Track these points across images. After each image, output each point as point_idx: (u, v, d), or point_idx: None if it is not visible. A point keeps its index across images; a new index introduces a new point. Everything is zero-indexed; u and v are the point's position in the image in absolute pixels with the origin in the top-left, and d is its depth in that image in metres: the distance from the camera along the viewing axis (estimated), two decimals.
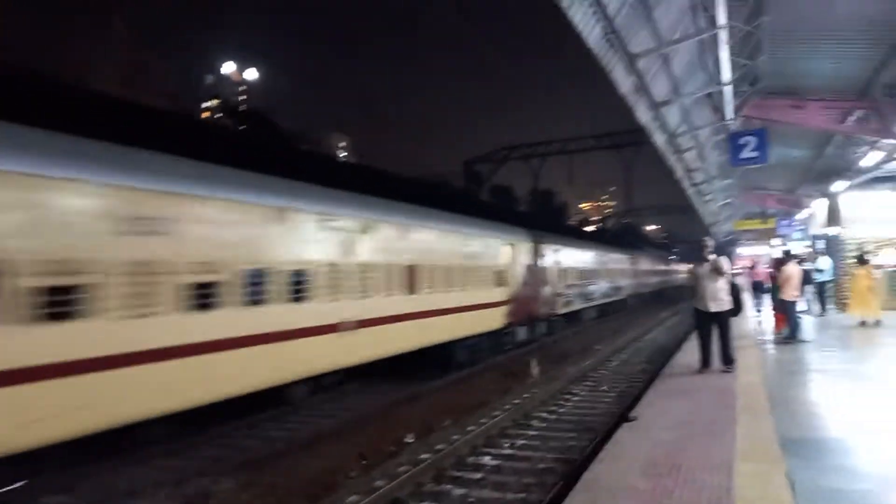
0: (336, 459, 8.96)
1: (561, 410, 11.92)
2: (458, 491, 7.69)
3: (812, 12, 10.04)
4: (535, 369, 15.48)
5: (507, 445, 9.68)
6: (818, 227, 23.44)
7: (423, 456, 9.03)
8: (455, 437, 10.00)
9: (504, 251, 18.43)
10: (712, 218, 32.94)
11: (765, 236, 32.08)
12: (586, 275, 28.35)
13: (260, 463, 8.77)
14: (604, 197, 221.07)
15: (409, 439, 10.02)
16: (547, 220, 41.06)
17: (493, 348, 17.37)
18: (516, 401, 12.53)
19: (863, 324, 14.46)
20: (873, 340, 12.86)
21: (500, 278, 17.83)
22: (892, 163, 16.43)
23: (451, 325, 14.81)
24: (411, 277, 13.46)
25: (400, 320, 12.84)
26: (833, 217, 20.23)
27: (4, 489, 7.13)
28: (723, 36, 8.65)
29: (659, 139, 13.71)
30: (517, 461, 8.84)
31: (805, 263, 15.34)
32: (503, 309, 17.83)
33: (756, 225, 27.46)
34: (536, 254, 21.02)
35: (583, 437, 9.91)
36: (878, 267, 17.06)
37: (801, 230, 28.58)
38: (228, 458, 9.01)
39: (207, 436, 9.90)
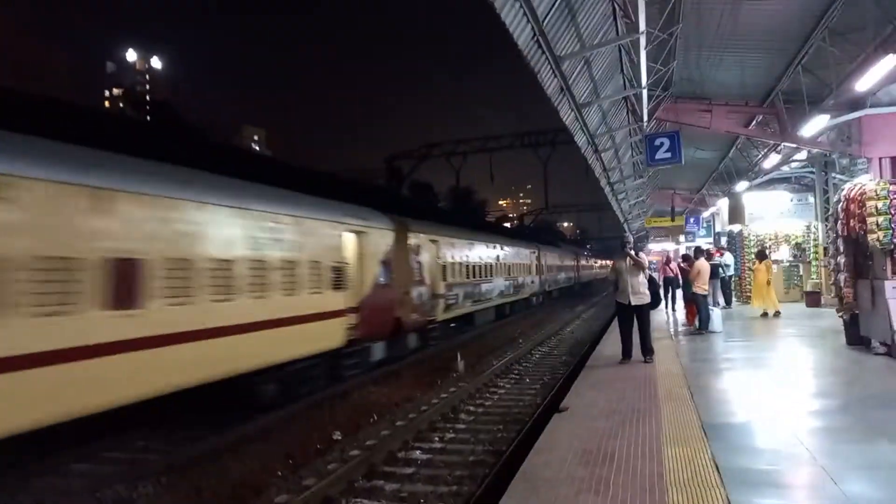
0: (262, 460, 8.74)
1: (487, 404, 12.12)
2: (391, 486, 7.67)
3: (719, 22, 10.66)
4: (460, 364, 15.62)
5: (436, 439, 9.75)
6: (722, 224, 24.94)
7: (353, 453, 8.98)
8: (384, 432, 10.00)
9: (347, 241, 13.58)
10: (625, 215, 34.37)
11: (673, 233, 33.77)
12: (478, 271, 24.24)
13: (183, 467, 8.41)
14: (521, 194, 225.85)
15: (337, 436, 9.91)
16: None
17: (329, 374, 12.94)
18: (443, 395, 12.65)
19: (764, 315, 15.52)
20: (773, 331, 13.83)
21: (339, 278, 12.93)
22: (789, 164, 17.76)
23: (235, 351, 9.79)
24: (126, 280, 7.96)
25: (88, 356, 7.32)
26: (735, 215, 21.59)
27: None
28: (642, 41, 9.03)
29: (580, 139, 14.17)
30: (448, 454, 8.92)
31: (714, 259, 16.17)
32: (345, 320, 13.06)
33: (665, 222, 28.91)
34: (402, 245, 16.62)
35: (510, 429, 10.13)
36: (776, 262, 18.35)
37: (705, 227, 30.31)
38: (146, 462, 8.59)
39: (118, 441, 9.42)
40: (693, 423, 6.22)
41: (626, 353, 10.18)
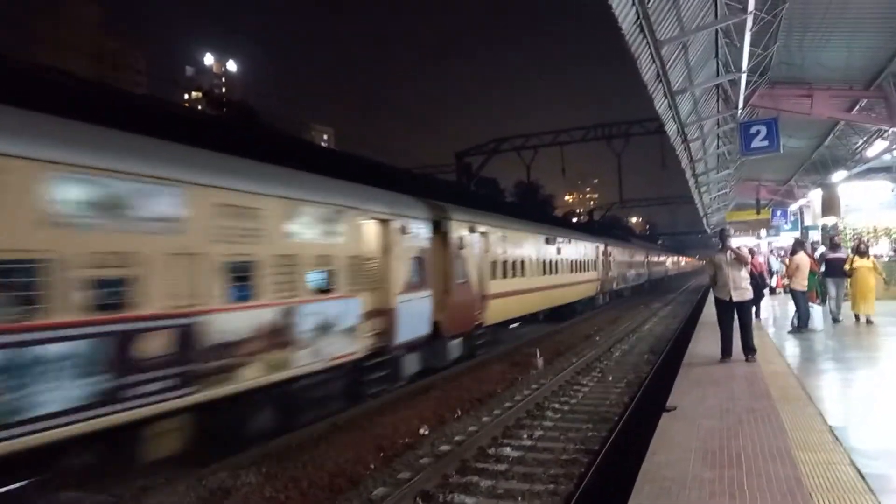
0: (354, 451, 8.81)
1: (573, 402, 11.87)
2: (486, 483, 7.56)
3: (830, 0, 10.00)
4: (539, 361, 15.39)
5: (525, 436, 9.59)
6: (813, 217, 23.63)
7: (443, 448, 8.94)
8: (471, 428, 9.92)
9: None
10: (706, 209, 33.14)
11: (754, 227, 32.25)
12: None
13: (279, 456, 8.56)
14: (587, 189, 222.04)
15: (424, 431, 9.90)
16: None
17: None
18: (526, 392, 12.49)
19: (856, 319, 13.21)
20: (878, 330, 12.84)
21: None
22: (892, 152, 16.56)
23: None
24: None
25: None
26: (830, 206, 20.37)
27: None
28: (748, 22, 8.55)
29: (671, 128, 13.66)
30: (539, 452, 8.75)
31: (819, 250, 14.76)
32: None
33: (749, 216, 27.56)
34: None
35: (600, 428, 9.86)
36: (878, 257, 17.13)
37: (792, 221, 28.81)
38: (245, 451, 8.79)
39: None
40: (818, 425, 5.81)
41: (727, 350, 9.68)
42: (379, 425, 10.10)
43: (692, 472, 4.65)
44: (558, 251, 24.57)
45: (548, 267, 22.83)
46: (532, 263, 20.80)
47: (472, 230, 15.38)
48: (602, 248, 33.69)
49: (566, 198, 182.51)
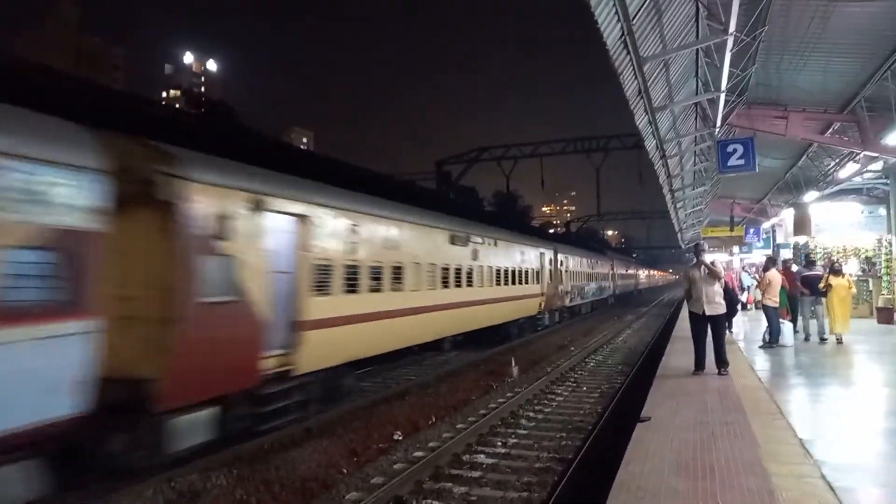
0: (326, 456, 8.75)
1: (547, 410, 11.93)
2: (459, 489, 7.56)
3: (809, 24, 10.24)
4: (514, 370, 15.45)
5: (499, 444, 9.61)
6: (785, 235, 24.12)
7: (417, 454, 8.92)
8: (445, 434, 9.91)
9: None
10: (681, 224, 33.62)
11: (727, 244, 32.79)
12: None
13: (251, 459, 8.46)
14: (564, 201, 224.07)
15: (398, 436, 9.87)
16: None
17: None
18: (500, 400, 12.51)
19: (837, 341, 13.16)
20: (848, 347, 13.06)
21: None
22: (861, 175, 17.01)
23: None
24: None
25: None
26: (801, 226, 20.83)
27: None
28: (729, 43, 8.74)
29: (650, 143, 13.86)
30: (513, 460, 8.77)
31: (793, 266, 14.97)
32: None
33: (723, 232, 28.07)
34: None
35: (574, 437, 9.92)
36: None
37: (764, 239, 29.36)
38: (216, 453, 8.67)
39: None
40: (790, 438, 5.92)
41: (700, 364, 9.83)
42: (352, 430, 10.05)
43: (666, 483, 4.70)
44: (474, 256, 18.42)
45: (455, 277, 16.99)
46: (420, 271, 14.64)
47: (258, 207, 8.85)
48: (549, 255, 27.44)
49: (544, 209, 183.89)
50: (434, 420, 10.91)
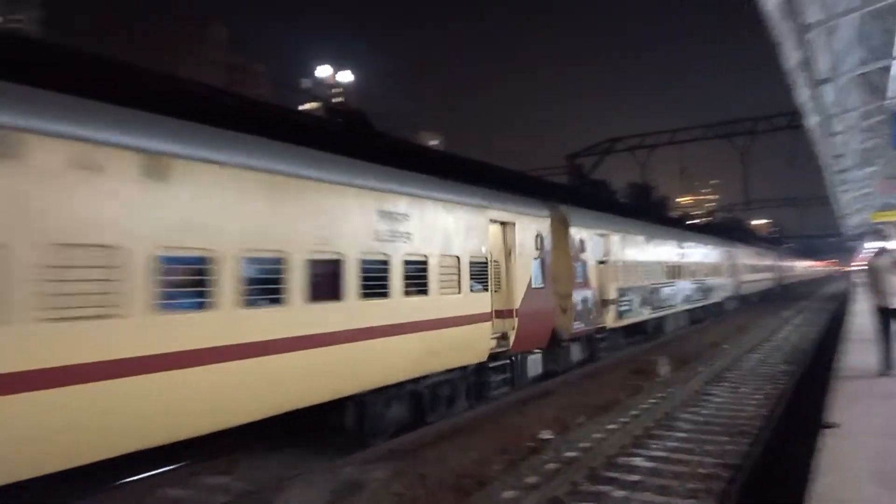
0: (477, 452, 8.77)
1: (704, 412, 11.24)
2: (618, 493, 7.28)
3: None
4: (663, 369, 14.74)
5: (656, 447, 9.17)
6: None
7: (568, 454, 8.71)
8: (596, 435, 9.61)
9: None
10: (842, 210, 30.50)
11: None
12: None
13: (406, 453, 8.69)
14: (704, 190, 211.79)
15: (547, 435, 9.71)
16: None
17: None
18: (652, 400, 11.97)
19: None
20: None
21: None
22: None
23: None
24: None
25: None
26: None
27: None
28: None
29: (812, 121, 12.61)
30: (673, 464, 8.32)
31: None
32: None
33: None
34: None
35: (738, 442, 9.25)
36: None
37: None
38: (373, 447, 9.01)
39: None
40: None
41: (887, 363, 8.79)
42: (501, 427, 10.04)
43: (867, 496, 4.20)
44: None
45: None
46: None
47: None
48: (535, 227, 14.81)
49: (678, 199, 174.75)
50: (583, 420, 10.64)
